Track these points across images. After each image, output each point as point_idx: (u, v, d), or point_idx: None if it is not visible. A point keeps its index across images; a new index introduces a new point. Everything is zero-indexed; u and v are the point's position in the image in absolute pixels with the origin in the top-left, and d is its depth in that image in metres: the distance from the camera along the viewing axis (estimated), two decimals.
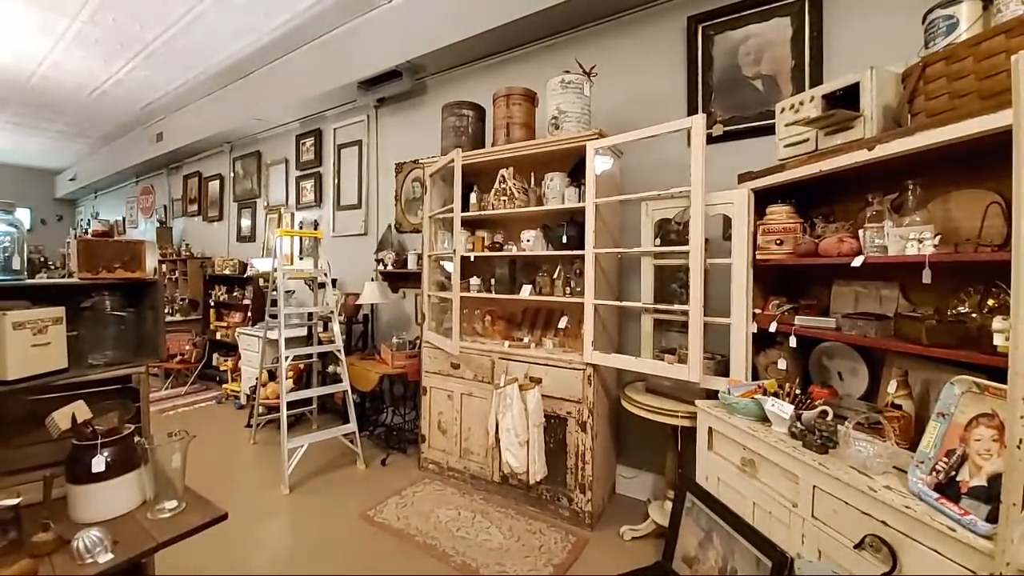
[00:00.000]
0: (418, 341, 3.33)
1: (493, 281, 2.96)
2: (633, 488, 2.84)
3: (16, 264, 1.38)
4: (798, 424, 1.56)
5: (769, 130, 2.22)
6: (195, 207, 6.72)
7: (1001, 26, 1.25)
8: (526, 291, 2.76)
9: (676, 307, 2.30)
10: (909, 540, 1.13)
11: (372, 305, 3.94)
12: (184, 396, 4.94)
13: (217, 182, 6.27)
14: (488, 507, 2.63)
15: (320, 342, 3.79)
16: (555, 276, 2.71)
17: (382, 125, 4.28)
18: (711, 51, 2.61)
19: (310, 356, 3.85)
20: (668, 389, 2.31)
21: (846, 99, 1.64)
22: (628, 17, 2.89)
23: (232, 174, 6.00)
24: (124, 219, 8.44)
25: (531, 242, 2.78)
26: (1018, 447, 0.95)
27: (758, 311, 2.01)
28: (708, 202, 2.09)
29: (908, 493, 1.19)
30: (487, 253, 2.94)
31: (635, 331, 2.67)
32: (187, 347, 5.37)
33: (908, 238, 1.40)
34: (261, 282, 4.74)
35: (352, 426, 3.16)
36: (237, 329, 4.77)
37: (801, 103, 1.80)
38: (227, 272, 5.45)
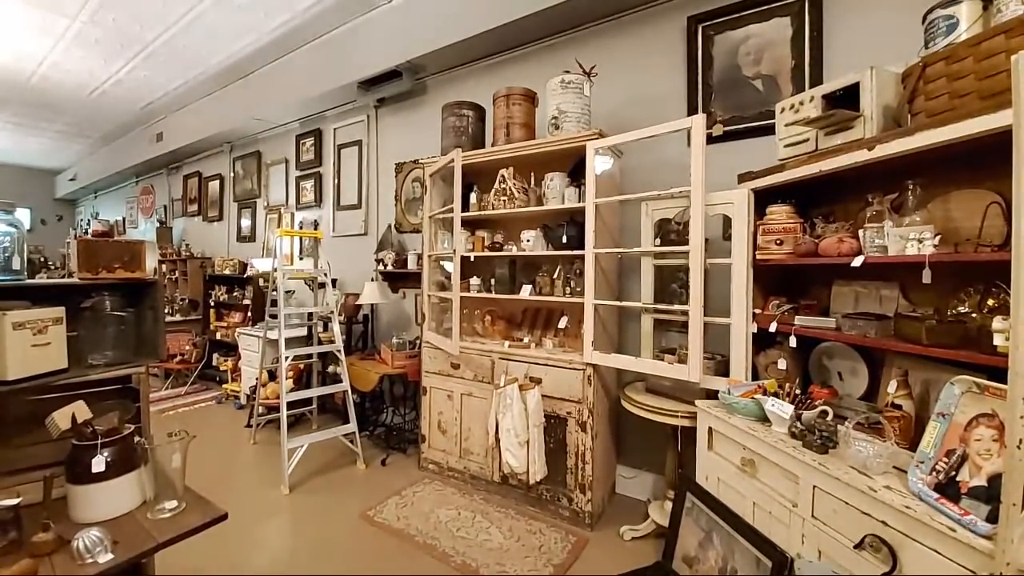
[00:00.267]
0: (418, 341, 3.33)
1: (493, 281, 2.96)
2: (633, 488, 2.84)
3: (16, 264, 1.38)
4: (798, 424, 1.56)
5: (769, 130, 2.22)
6: (195, 207, 6.72)
7: (1001, 26, 1.25)
8: (526, 291, 2.76)
9: (676, 307, 2.30)
10: (909, 540, 1.13)
11: (372, 305, 3.94)
12: (184, 396, 4.94)
13: (217, 182, 6.27)
14: (488, 507, 2.63)
15: (320, 342, 3.79)
16: (555, 276, 2.71)
17: (382, 125, 4.28)
18: (711, 51, 2.61)
19: (310, 356, 3.86)
20: (668, 389, 2.31)
21: (846, 99, 1.64)
22: (628, 17, 2.89)
23: (232, 174, 6.00)
24: (124, 219, 8.44)
25: (531, 242, 2.78)
26: (1018, 447, 0.95)
27: (758, 311, 2.01)
28: (708, 202, 2.09)
29: (908, 493, 1.19)
30: (487, 253, 2.94)
31: (635, 331, 2.67)
32: (187, 347, 5.37)
33: (908, 238, 1.40)
34: (261, 282, 4.75)
35: (352, 426, 3.16)
36: (237, 329, 4.77)
37: (801, 103, 1.80)
38: (227, 272, 5.45)
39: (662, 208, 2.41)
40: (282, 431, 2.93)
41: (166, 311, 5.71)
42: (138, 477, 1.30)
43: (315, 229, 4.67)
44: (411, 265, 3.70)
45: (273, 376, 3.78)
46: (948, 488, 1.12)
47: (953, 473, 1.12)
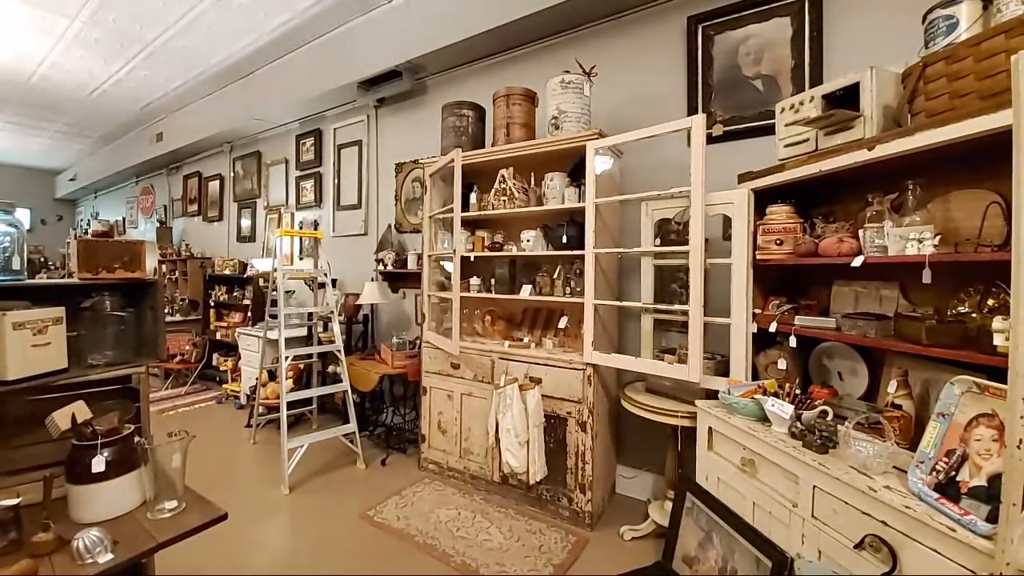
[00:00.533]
0: (418, 341, 3.33)
1: (493, 281, 2.96)
2: (633, 488, 2.84)
3: (16, 264, 1.38)
4: (798, 424, 1.56)
5: (769, 130, 2.22)
6: (195, 207, 6.72)
7: (1001, 26, 1.25)
8: (526, 291, 2.76)
9: (676, 307, 2.30)
10: (909, 540, 1.13)
11: (372, 305, 3.94)
12: (184, 396, 4.94)
13: (217, 182, 6.27)
14: (488, 507, 2.63)
15: (320, 342, 3.79)
16: (555, 276, 2.71)
17: (382, 125, 4.28)
18: (711, 51, 2.61)
19: (310, 356, 3.86)
20: (668, 389, 2.31)
21: (846, 99, 1.64)
22: (628, 17, 2.89)
23: (232, 174, 6.00)
24: (124, 219, 8.44)
25: (531, 242, 2.78)
26: (1018, 447, 0.95)
27: (758, 311, 2.01)
28: (708, 202, 2.09)
29: (908, 493, 1.19)
30: (487, 253, 2.94)
31: (635, 331, 2.67)
32: (187, 347, 5.37)
33: (908, 238, 1.40)
34: (261, 282, 4.74)
35: (352, 426, 3.16)
36: (237, 329, 4.77)
37: (801, 103, 1.80)
38: (227, 272, 5.45)
39: (662, 208, 2.41)
40: (282, 431, 2.93)
41: (166, 311, 5.71)
42: (138, 477, 1.31)
43: (315, 229, 4.67)
44: (411, 265, 3.70)
45: (273, 376, 3.78)
46: (948, 488, 1.12)
47: (953, 473, 1.12)
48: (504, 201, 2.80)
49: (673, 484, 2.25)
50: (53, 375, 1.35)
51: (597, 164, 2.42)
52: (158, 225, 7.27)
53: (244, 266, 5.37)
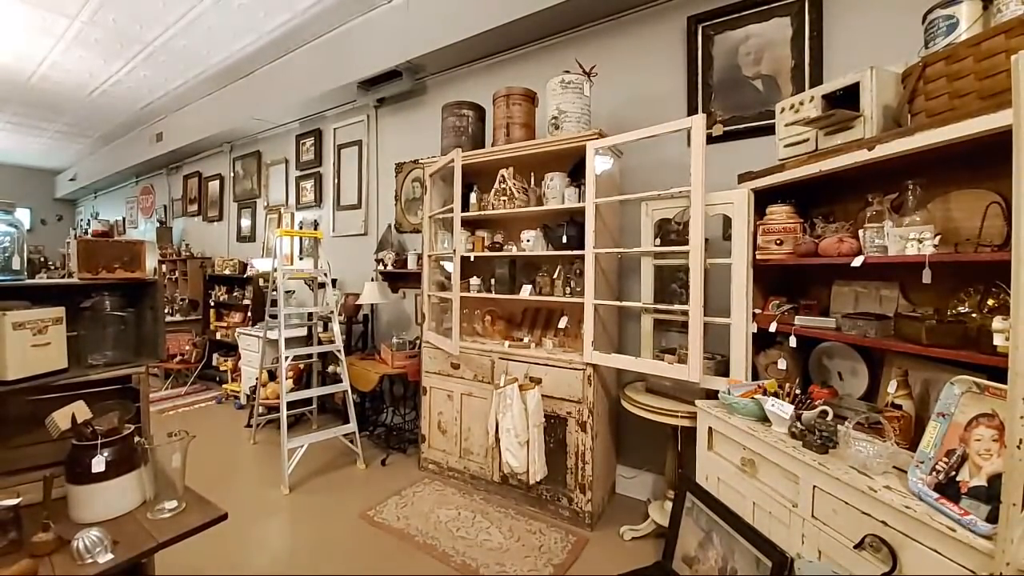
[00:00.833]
0: (418, 341, 3.33)
1: (493, 281, 2.96)
2: (633, 488, 2.84)
3: (16, 264, 1.38)
4: (798, 424, 1.56)
5: (769, 130, 2.22)
6: (195, 207, 6.72)
7: (1001, 26, 1.25)
8: (526, 291, 2.76)
9: (676, 307, 2.30)
10: (909, 540, 1.13)
11: (372, 305, 3.94)
12: (184, 396, 4.94)
13: (217, 182, 6.27)
14: (488, 507, 2.63)
15: (320, 342, 3.79)
16: (555, 276, 2.71)
17: (382, 125, 4.28)
18: (711, 51, 2.61)
19: (310, 356, 3.85)
20: (668, 389, 2.31)
21: (846, 99, 1.64)
22: (628, 17, 2.89)
23: (232, 174, 6.00)
24: (124, 219, 8.44)
25: (531, 242, 2.78)
26: (1018, 447, 0.95)
27: (758, 311, 2.01)
28: (708, 202, 2.09)
29: (908, 493, 1.19)
30: (487, 253, 2.94)
31: (635, 331, 2.67)
32: (187, 347, 5.37)
33: (908, 238, 1.40)
34: (261, 282, 4.74)
35: (352, 426, 3.16)
36: (237, 329, 4.76)
37: (801, 103, 1.80)
38: (227, 272, 5.45)
39: (662, 208, 2.41)
40: (282, 431, 2.93)
41: (166, 311, 5.71)
42: (138, 477, 1.31)
43: (315, 229, 4.67)
44: (411, 265, 3.70)
45: (273, 376, 3.78)
46: (948, 488, 1.12)
47: (953, 473, 1.12)
48: (504, 201, 2.80)
49: (673, 484, 2.25)
50: (53, 375, 1.35)
51: (597, 164, 2.42)
52: (158, 225, 7.27)
53: (244, 266, 5.37)
